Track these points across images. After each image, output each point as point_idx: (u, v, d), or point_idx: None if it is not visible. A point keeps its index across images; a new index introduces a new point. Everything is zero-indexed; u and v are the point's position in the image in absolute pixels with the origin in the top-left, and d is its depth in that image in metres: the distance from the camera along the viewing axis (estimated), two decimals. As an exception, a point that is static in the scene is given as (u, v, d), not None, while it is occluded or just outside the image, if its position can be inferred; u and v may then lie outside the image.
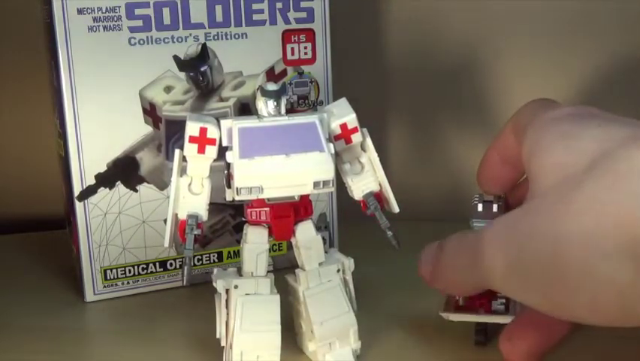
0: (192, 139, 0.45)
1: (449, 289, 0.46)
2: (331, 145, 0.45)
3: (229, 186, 0.46)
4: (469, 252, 0.41)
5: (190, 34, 0.58)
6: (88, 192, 0.58)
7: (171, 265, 0.61)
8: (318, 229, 0.48)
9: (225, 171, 0.45)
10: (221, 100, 0.60)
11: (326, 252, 0.48)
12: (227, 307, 0.46)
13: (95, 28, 0.56)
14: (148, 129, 0.59)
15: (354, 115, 0.47)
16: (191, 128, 0.45)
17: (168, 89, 0.59)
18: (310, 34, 0.62)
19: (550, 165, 0.38)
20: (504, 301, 0.48)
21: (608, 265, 0.33)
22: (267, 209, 0.46)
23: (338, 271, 0.48)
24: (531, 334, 0.45)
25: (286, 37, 0.61)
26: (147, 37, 0.57)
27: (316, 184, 0.43)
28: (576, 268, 0.34)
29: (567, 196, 0.36)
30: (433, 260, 0.45)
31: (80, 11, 0.55)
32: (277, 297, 0.46)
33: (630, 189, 0.33)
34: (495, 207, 0.50)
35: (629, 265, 0.33)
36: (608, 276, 0.34)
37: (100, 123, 0.57)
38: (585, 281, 0.34)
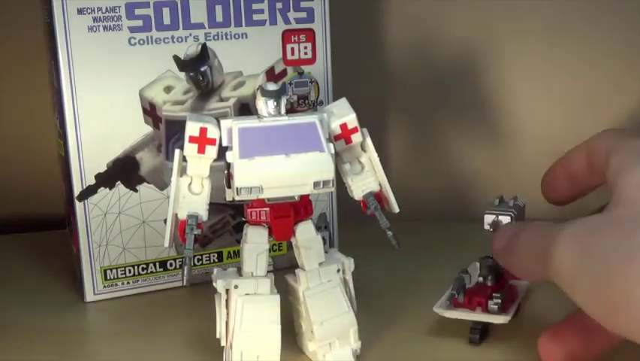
0: (192, 139, 0.45)
1: (514, 270, 0.46)
2: (331, 145, 0.45)
3: (229, 186, 0.46)
4: (543, 242, 0.42)
5: (190, 34, 0.58)
6: (88, 192, 0.58)
7: (171, 265, 0.61)
8: (318, 229, 0.48)
9: (225, 171, 0.45)
10: (221, 100, 0.60)
11: (326, 252, 0.48)
12: (227, 307, 0.46)
13: (95, 28, 0.56)
14: (148, 129, 0.59)
15: (354, 115, 0.47)
16: (191, 128, 0.45)
17: (168, 89, 0.59)
18: (310, 34, 0.62)
19: (637, 182, 0.40)
20: (499, 301, 0.49)
21: None
22: (267, 209, 0.46)
23: (338, 271, 0.48)
24: (574, 338, 0.45)
25: (286, 37, 0.61)
26: (147, 37, 0.57)
27: (316, 184, 0.43)
28: None
29: None
30: (508, 239, 0.46)
31: (80, 11, 0.55)
32: (277, 297, 0.46)
33: None
34: (511, 203, 0.51)
35: None
36: None
37: (100, 123, 0.57)
38: None
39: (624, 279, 0.36)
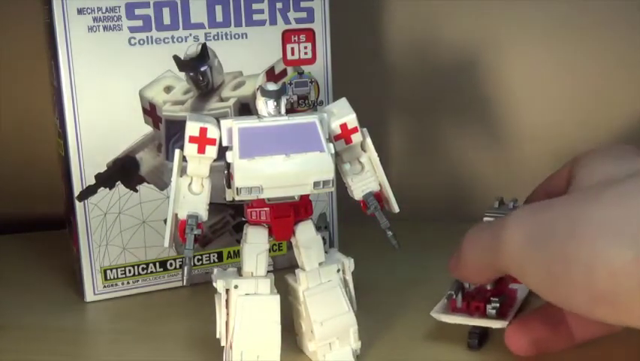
0: (192, 139, 0.45)
1: (468, 271, 0.46)
2: (331, 145, 0.45)
3: (229, 186, 0.46)
4: (489, 230, 0.43)
5: (190, 34, 0.58)
6: (88, 192, 0.58)
7: (171, 265, 0.61)
8: (318, 229, 0.48)
9: (225, 171, 0.45)
10: (221, 100, 0.60)
11: (326, 252, 0.48)
12: (227, 307, 0.46)
13: (95, 28, 0.56)
14: (148, 129, 0.59)
15: (354, 115, 0.47)
16: (191, 128, 0.45)
17: (168, 89, 0.59)
18: (310, 34, 0.62)
19: (597, 172, 0.42)
20: (497, 305, 0.48)
21: (612, 246, 0.36)
22: (267, 209, 0.46)
23: (338, 271, 0.48)
24: (540, 327, 0.46)
25: (286, 37, 0.61)
26: (147, 37, 0.57)
27: (316, 184, 0.43)
28: (584, 246, 0.37)
29: (600, 190, 0.39)
30: (457, 250, 0.46)
31: (79, 11, 0.55)
32: (277, 297, 0.46)
33: None
34: (510, 205, 0.51)
35: (630, 249, 0.35)
36: (608, 255, 0.36)
37: (100, 123, 0.57)
38: (587, 257, 0.36)
39: (567, 253, 0.37)
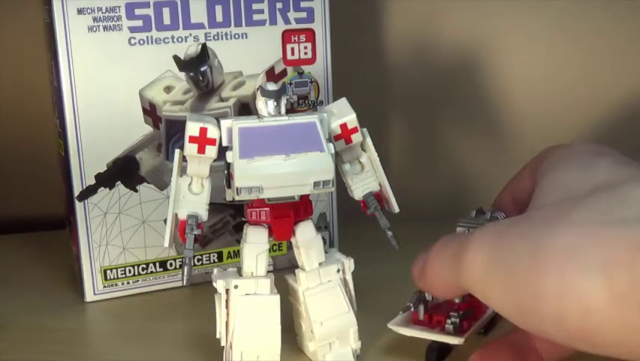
0: (192, 139, 0.45)
1: (432, 285, 0.44)
2: (331, 145, 0.44)
3: (229, 186, 0.46)
4: (454, 247, 0.41)
5: (190, 34, 0.58)
6: (88, 192, 0.58)
7: (171, 265, 0.61)
8: (318, 229, 0.48)
9: (225, 171, 0.45)
10: (221, 100, 0.60)
11: (326, 252, 0.48)
12: (227, 307, 0.46)
13: (95, 28, 0.56)
14: (148, 129, 0.59)
15: (354, 115, 0.47)
16: (191, 128, 0.45)
17: (168, 89, 0.58)
18: (310, 34, 0.62)
19: (558, 183, 0.40)
20: (457, 321, 0.46)
21: (582, 280, 0.34)
22: (267, 209, 0.46)
23: (338, 271, 0.48)
24: (506, 356, 0.44)
25: (286, 37, 0.61)
26: (147, 37, 0.57)
27: (316, 184, 0.43)
28: (552, 277, 0.35)
29: (562, 211, 0.37)
30: (422, 260, 0.44)
31: (79, 11, 0.55)
32: (277, 297, 0.46)
33: (621, 215, 0.35)
34: (488, 215, 0.49)
35: (602, 285, 0.33)
36: (579, 290, 0.34)
37: (100, 123, 0.57)
38: (557, 290, 0.35)
39: (534, 283, 0.35)
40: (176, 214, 0.46)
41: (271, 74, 0.61)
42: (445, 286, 0.43)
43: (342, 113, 0.47)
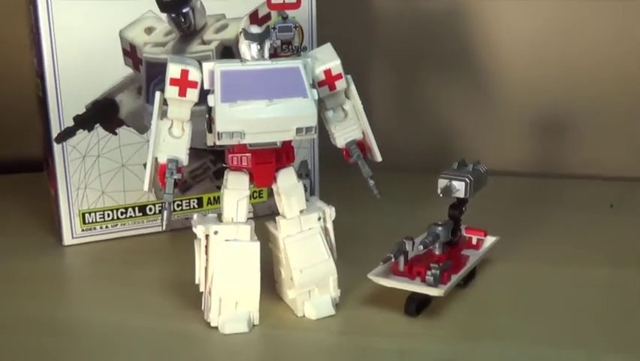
0: (173, 81, 0.44)
1: None
2: (315, 91, 0.44)
3: (210, 131, 0.45)
4: None
5: (172, -26, 0.57)
6: (66, 135, 0.57)
7: (150, 210, 0.61)
8: (299, 176, 0.47)
9: (206, 115, 0.45)
10: (204, 43, 0.59)
11: (307, 200, 0.48)
12: (206, 253, 0.45)
13: (74, -35, 0.54)
14: (128, 71, 0.58)
15: (338, 61, 0.46)
16: (173, 71, 0.44)
17: (149, 31, 0.57)
18: (296, -22, 0.61)
19: None
20: (437, 272, 0.46)
21: None
22: (249, 155, 0.45)
23: (319, 219, 0.47)
24: None
25: (271, -20, 0.60)
26: (128, -24, 0.56)
27: (299, 130, 0.43)
28: None
29: None
30: None
31: (58, -53, 0.54)
32: (257, 244, 0.46)
33: None
34: (470, 167, 0.49)
35: None
36: None
37: (79, 64, 0.56)
38: None
39: None
40: (156, 158, 0.45)
41: (255, 18, 0.60)
42: None
43: (327, 59, 0.46)
